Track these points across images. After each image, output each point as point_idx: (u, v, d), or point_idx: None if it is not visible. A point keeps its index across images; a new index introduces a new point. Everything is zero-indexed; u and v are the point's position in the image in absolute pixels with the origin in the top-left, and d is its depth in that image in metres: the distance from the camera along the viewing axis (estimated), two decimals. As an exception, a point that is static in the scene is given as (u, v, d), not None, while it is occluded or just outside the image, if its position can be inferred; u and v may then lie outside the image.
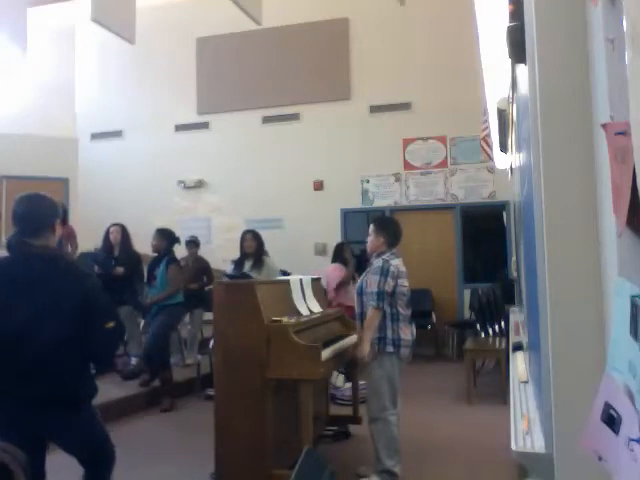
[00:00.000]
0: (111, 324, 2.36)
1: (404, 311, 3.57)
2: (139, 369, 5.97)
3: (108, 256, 6.33)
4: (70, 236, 6.71)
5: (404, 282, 3.58)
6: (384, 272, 3.49)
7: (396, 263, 3.56)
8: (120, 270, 6.17)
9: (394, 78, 8.92)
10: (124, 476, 2.56)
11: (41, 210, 2.45)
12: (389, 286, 3.47)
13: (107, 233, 6.44)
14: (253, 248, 5.86)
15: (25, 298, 2.28)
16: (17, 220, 2.41)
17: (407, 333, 3.56)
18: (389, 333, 3.49)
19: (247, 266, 5.78)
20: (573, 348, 1.29)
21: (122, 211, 8.52)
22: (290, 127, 9.48)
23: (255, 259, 5.81)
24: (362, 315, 3.61)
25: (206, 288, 6.80)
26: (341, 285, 6.43)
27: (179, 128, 10.05)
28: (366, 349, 3.47)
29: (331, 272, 6.57)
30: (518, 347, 3.45)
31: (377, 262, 3.58)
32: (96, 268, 6.30)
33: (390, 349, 3.48)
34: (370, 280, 3.53)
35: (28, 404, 2.25)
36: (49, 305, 2.28)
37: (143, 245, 6.45)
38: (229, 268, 6.04)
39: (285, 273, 6.22)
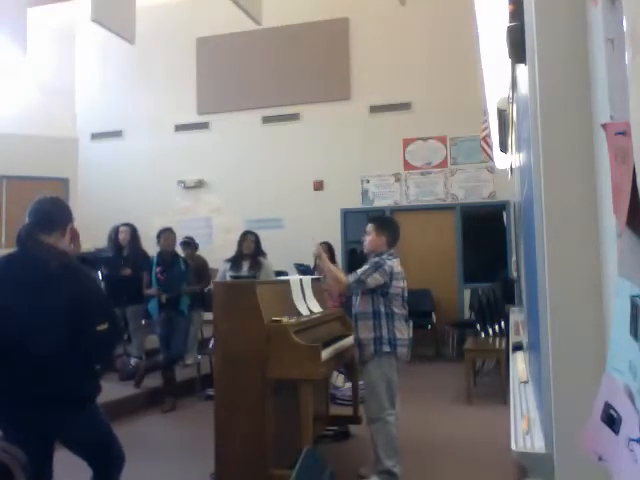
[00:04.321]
0: (104, 326, 2.35)
1: (399, 310, 3.56)
2: (138, 370, 5.96)
3: (116, 256, 6.30)
4: (75, 237, 6.69)
5: (399, 283, 3.56)
6: (373, 265, 3.50)
7: (392, 263, 3.54)
8: (128, 271, 6.15)
9: (394, 78, 8.92)
10: (124, 476, 2.56)
11: (59, 210, 2.55)
12: (372, 280, 3.46)
13: (116, 233, 6.39)
14: (251, 249, 5.92)
15: (27, 297, 2.28)
16: (33, 213, 2.46)
17: (403, 332, 3.54)
18: (385, 333, 3.48)
19: (245, 267, 5.82)
20: (573, 348, 1.29)
21: (122, 211, 8.50)
22: (290, 127, 9.48)
23: (252, 260, 5.85)
24: (357, 315, 3.60)
25: (205, 289, 6.78)
26: None
27: (179, 128, 10.05)
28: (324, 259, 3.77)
29: None
30: (518, 347, 3.45)
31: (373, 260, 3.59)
32: (102, 268, 6.29)
33: (387, 349, 3.48)
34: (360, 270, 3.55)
35: (30, 404, 2.25)
36: (49, 304, 2.28)
37: (143, 245, 6.45)
38: (225, 266, 6.05)
39: (280, 274, 6.21)
